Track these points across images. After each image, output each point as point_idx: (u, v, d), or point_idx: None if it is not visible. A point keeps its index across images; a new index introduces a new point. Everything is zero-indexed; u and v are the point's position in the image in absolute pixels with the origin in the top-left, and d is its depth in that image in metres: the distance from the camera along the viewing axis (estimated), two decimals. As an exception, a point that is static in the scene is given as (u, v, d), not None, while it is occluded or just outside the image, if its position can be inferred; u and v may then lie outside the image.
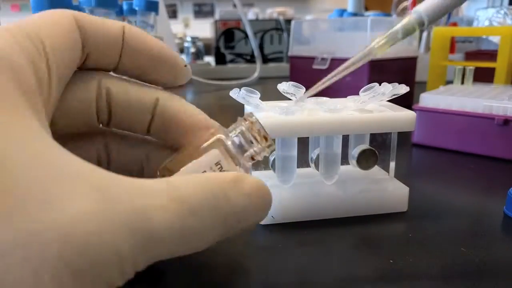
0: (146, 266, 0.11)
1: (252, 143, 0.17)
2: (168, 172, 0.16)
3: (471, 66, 0.44)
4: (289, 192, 0.24)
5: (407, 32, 0.16)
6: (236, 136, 0.17)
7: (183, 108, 0.18)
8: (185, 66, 0.19)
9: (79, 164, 0.11)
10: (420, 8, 0.17)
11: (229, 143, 0.17)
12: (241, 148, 0.17)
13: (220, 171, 0.16)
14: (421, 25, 0.16)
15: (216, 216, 0.13)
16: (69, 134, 0.17)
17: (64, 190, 0.10)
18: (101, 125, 0.18)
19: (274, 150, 0.18)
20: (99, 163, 0.19)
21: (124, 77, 0.18)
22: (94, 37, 0.16)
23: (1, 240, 0.09)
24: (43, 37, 0.14)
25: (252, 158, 0.17)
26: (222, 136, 0.17)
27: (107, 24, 0.17)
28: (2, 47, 0.12)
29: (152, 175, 0.19)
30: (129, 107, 0.17)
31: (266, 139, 0.17)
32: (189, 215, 0.12)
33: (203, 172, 0.16)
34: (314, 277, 0.18)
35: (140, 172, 0.19)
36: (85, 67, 0.17)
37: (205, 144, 0.17)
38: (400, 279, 0.18)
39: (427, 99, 0.39)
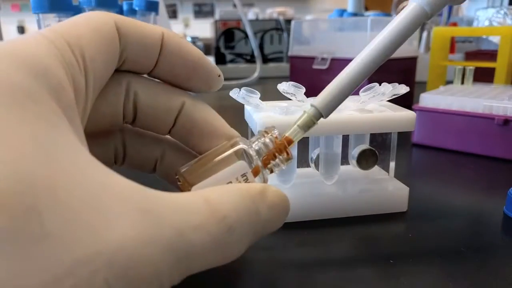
0: (180, 280, 0.12)
1: (274, 156, 0.17)
2: (191, 178, 0.16)
3: (471, 66, 0.44)
4: (289, 192, 0.24)
5: (308, 127, 0.18)
6: (259, 148, 0.17)
7: (205, 115, 0.18)
8: (219, 76, 0.19)
9: (122, 183, 0.11)
10: (315, 102, 0.18)
11: (252, 153, 0.17)
12: (262, 160, 0.17)
13: (245, 182, 0.16)
14: (319, 118, 0.18)
15: (248, 230, 0.14)
16: (90, 131, 0.17)
17: (110, 214, 0.10)
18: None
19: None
20: (115, 159, 0.19)
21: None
22: (133, 44, 0.16)
23: (56, 267, 0.09)
24: (83, 46, 0.13)
25: (271, 170, 0.17)
26: (245, 147, 0.17)
27: (147, 31, 0.16)
28: (41, 57, 0.12)
29: (165, 174, 0.19)
30: (155, 109, 0.17)
31: (288, 153, 0.17)
32: (226, 232, 0.12)
33: (228, 183, 0.16)
34: (314, 277, 0.18)
35: (152, 170, 0.20)
36: (118, 70, 0.17)
37: (227, 153, 0.17)
38: (400, 279, 0.18)
39: (427, 99, 0.39)
